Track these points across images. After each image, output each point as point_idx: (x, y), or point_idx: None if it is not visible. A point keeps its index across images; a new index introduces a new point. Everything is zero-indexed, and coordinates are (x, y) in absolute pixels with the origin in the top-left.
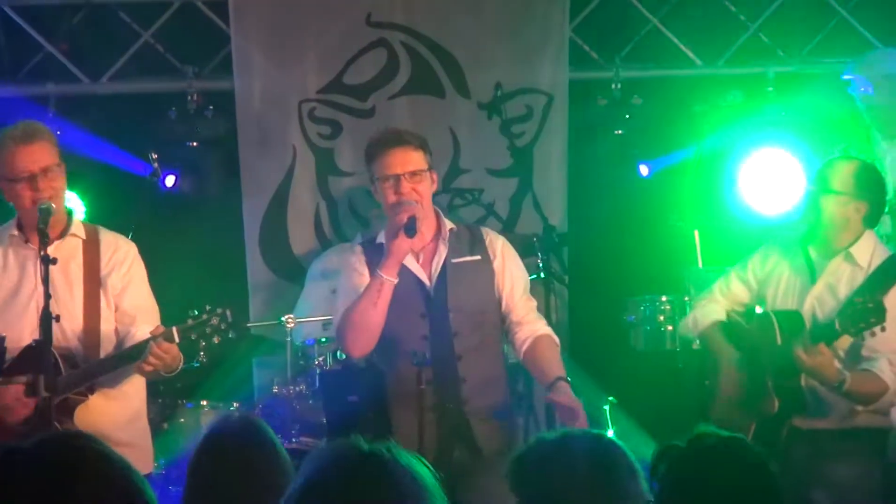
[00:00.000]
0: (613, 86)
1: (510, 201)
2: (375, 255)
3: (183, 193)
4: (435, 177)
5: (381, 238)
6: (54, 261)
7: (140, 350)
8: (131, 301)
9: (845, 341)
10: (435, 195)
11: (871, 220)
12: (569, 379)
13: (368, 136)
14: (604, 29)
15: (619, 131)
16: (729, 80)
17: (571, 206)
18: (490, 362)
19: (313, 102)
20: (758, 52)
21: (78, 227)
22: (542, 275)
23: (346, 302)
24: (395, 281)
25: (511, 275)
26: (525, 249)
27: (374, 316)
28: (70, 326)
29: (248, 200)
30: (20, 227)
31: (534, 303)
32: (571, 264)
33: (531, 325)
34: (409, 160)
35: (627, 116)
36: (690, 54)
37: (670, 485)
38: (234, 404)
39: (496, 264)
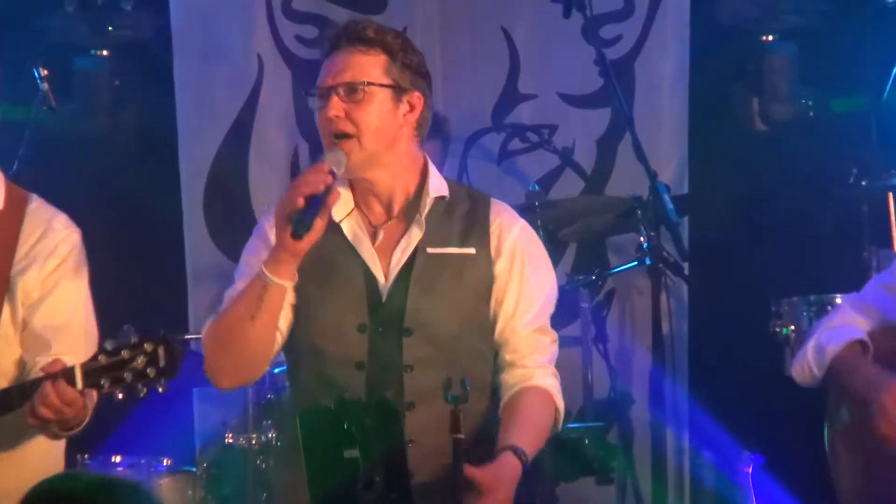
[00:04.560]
0: None
1: (599, 145)
2: None
3: (86, 129)
4: (417, 103)
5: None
6: None
7: (26, 393)
8: (50, 317)
9: None
10: (482, 133)
11: None
12: (524, 454)
13: None
14: None
15: (770, 37)
16: None
17: (694, 155)
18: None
19: None
20: None
21: None
22: (649, 261)
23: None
24: (288, 285)
25: (521, 289)
26: (621, 221)
27: (252, 334)
28: None
29: (186, 141)
30: None
31: (548, 338)
32: (694, 245)
33: (528, 369)
34: (349, 65)
35: (784, 15)
36: None
37: None
38: (164, 461)
39: (500, 267)
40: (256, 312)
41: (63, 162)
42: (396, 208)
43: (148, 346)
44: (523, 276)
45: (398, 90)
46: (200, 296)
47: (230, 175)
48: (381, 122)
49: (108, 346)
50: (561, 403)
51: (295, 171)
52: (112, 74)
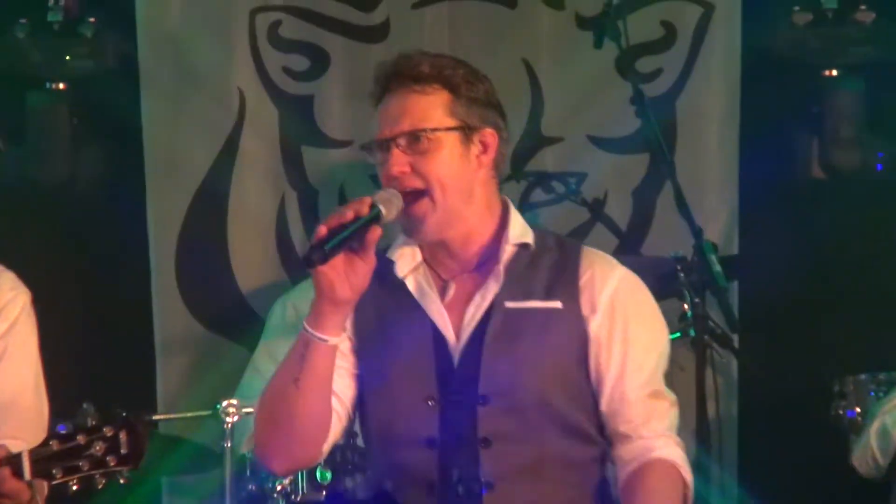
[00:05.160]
0: None
1: (635, 196)
2: (379, 284)
3: (40, 176)
4: (490, 141)
5: (394, 250)
6: None
7: None
8: None
9: None
10: (504, 180)
11: None
12: None
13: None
14: None
15: (833, 72)
16: None
17: (746, 209)
18: (551, 500)
19: (278, 12)
20: None
21: None
22: (692, 332)
23: None
24: (333, 341)
25: (626, 349)
26: (660, 285)
27: (298, 402)
28: None
29: (155, 190)
30: None
31: (665, 402)
32: (745, 314)
33: (646, 440)
34: (406, 110)
35: (851, 46)
36: None
37: None
38: None
39: (595, 324)
40: (300, 375)
41: (12, 214)
42: (471, 260)
43: (108, 431)
44: (628, 333)
45: (467, 130)
46: (170, 370)
47: (207, 229)
48: (453, 172)
49: (63, 429)
50: (689, 476)
51: (282, 223)
52: (70, 112)
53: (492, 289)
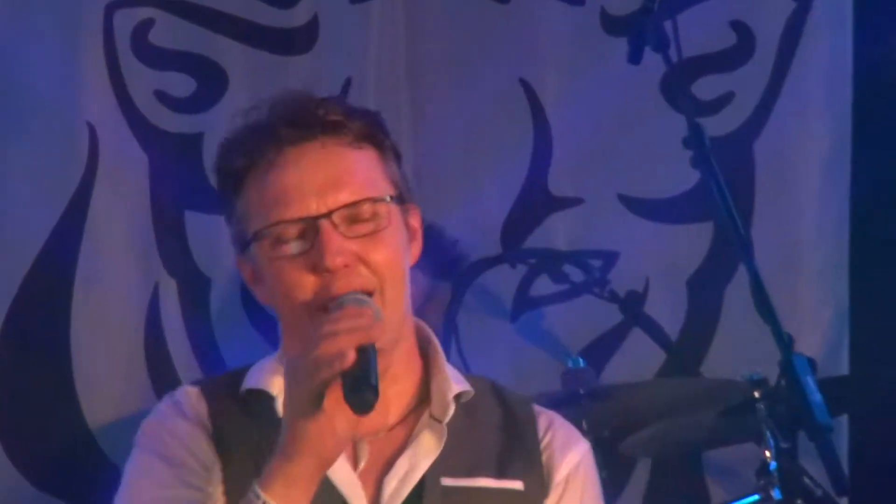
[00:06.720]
0: None
1: (691, 288)
2: (258, 429)
3: None
4: (417, 225)
5: (266, 376)
6: None
7: None
8: None
9: None
10: (484, 266)
11: None
12: None
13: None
14: None
15: None
16: None
17: (860, 308)
18: None
19: (147, 8)
20: None
21: None
22: (778, 493)
23: None
24: None
25: None
26: (729, 422)
27: None
28: None
29: None
30: None
31: None
32: (859, 467)
33: None
34: (340, 173)
35: None
36: None
37: None
38: None
39: None
40: None
41: None
42: (392, 406)
43: None
44: None
45: (403, 204)
46: None
47: (40, 339)
48: (401, 264)
49: None
50: None
51: (154, 327)
52: None
53: (425, 454)
